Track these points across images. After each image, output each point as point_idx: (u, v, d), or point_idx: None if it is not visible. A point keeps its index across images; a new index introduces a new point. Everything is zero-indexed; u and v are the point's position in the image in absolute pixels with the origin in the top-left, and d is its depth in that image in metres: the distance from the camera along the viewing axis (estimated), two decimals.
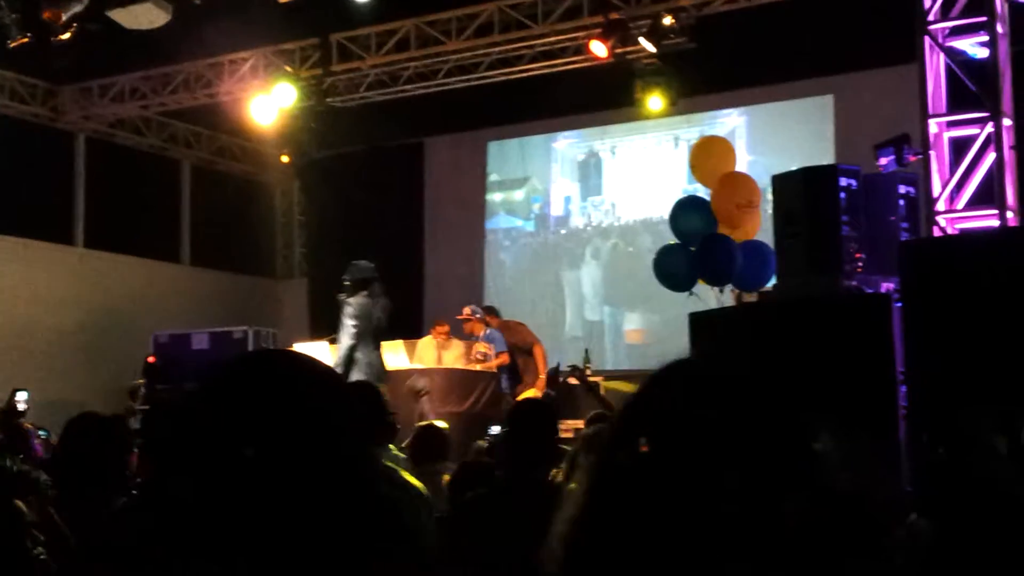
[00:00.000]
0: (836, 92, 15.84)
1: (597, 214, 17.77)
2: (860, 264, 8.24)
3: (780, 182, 8.87)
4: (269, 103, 15.23)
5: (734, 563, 1.34)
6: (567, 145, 18.09)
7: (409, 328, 13.45)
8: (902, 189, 8.79)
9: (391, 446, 5.83)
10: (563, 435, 10.87)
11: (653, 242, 13.15)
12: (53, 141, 17.38)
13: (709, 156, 11.27)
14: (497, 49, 15.30)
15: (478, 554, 4.10)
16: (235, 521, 1.52)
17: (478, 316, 13.14)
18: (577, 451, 4.82)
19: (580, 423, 9.77)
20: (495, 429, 9.87)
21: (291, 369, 1.63)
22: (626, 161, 17.49)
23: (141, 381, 14.70)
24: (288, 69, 15.57)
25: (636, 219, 17.24)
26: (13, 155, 15.94)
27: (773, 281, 9.56)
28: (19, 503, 4.01)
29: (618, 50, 13.87)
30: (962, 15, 9.14)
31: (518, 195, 18.47)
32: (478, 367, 12.55)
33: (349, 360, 10.27)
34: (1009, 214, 8.78)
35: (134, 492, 4.86)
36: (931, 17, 9.17)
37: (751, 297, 9.80)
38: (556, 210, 18.12)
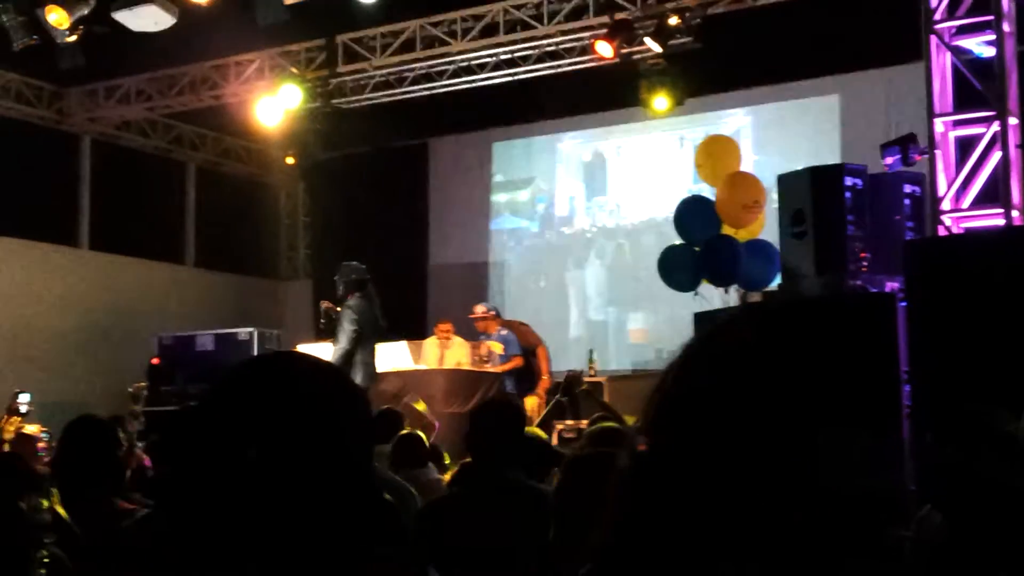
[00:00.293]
0: (842, 92, 15.81)
1: (602, 214, 17.76)
2: (865, 263, 8.24)
3: (786, 182, 8.88)
4: (274, 105, 15.24)
5: (744, 562, 1.33)
6: (572, 145, 18.08)
7: (413, 328, 13.45)
8: (907, 188, 8.79)
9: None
10: (566, 435, 10.93)
11: (658, 242, 13.13)
12: (58, 143, 17.40)
13: (715, 155, 11.27)
14: (502, 50, 15.29)
15: (443, 555, 4.09)
16: (244, 524, 1.52)
17: (493, 314, 13.13)
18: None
19: (583, 423, 9.78)
20: None
21: (299, 372, 1.62)
22: (631, 161, 17.47)
23: (143, 384, 14.69)
24: (293, 71, 15.59)
25: (641, 219, 17.22)
26: (18, 157, 15.95)
27: (778, 281, 9.55)
28: (23, 504, 4.00)
29: (624, 50, 13.86)
30: (968, 14, 9.12)
31: (523, 196, 18.46)
32: (488, 367, 12.53)
33: (348, 362, 10.28)
34: (1015, 213, 8.75)
35: (135, 492, 4.87)
36: (937, 16, 9.14)
37: (756, 297, 9.79)
38: (561, 210, 18.11)
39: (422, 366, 12.16)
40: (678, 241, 10.85)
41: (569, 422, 11.51)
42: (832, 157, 14.19)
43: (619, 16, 13.68)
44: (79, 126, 17.52)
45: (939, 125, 9.09)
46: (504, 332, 12.95)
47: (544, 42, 15.01)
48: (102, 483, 4.44)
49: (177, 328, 16.28)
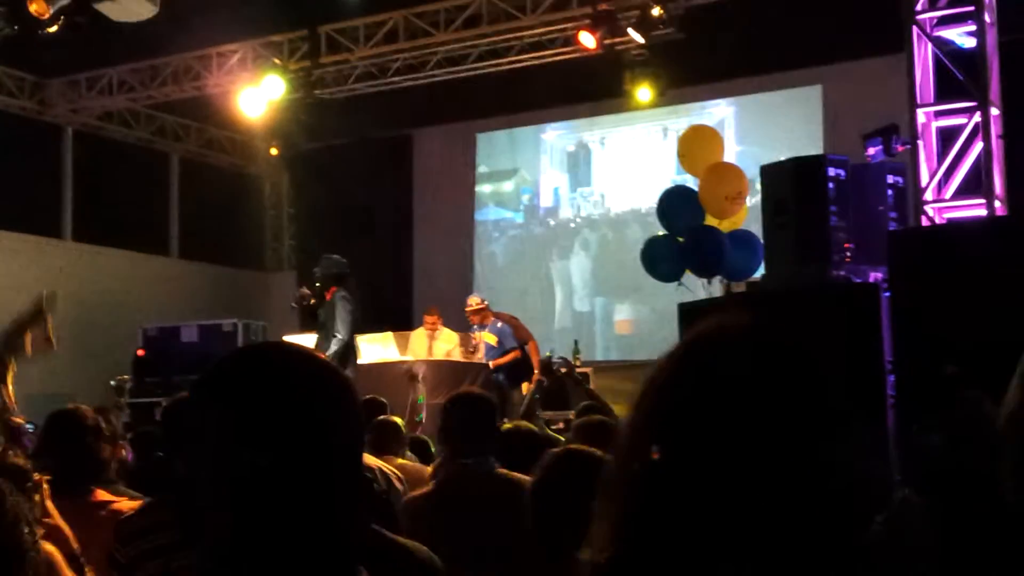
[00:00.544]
0: (824, 82, 15.86)
1: (586, 205, 17.78)
2: (849, 254, 8.26)
3: (769, 172, 8.88)
4: (258, 95, 15.21)
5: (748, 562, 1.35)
6: (556, 136, 18.10)
7: (399, 320, 13.45)
8: (890, 179, 8.81)
9: None
10: (553, 427, 10.95)
11: (642, 233, 13.17)
12: (41, 134, 17.34)
13: (697, 145, 11.27)
14: (486, 40, 15.30)
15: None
16: (235, 517, 1.53)
17: (487, 304, 13.14)
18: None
19: (571, 414, 9.79)
20: None
21: (288, 363, 1.62)
22: (615, 152, 17.50)
23: (126, 377, 14.68)
24: (276, 61, 15.56)
25: (625, 210, 17.26)
26: (0, 149, 15.90)
27: (761, 271, 9.58)
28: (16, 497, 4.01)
29: (607, 41, 13.87)
30: (949, 5, 9.17)
31: (507, 187, 18.48)
32: (476, 358, 12.52)
33: (350, 350, 10.40)
34: (997, 203, 8.81)
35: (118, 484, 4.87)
36: (919, 7, 9.19)
37: (740, 287, 9.81)
38: (545, 201, 18.13)
39: (408, 357, 12.15)
40: (661, 232, 10.86)
41: (559, 413, 11.54)
42: (815, 148, 14.24)
43: (602, 7, 13.69)
44: (61, 117, 17.46)
45: (921, 116, 9.14)
46: (500, 324, 12.94)
47: (527, 33, 15.02)
48: (83, 474, 4.44)
49: (162, 320, 16.27)
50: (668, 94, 14.64)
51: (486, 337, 12.80)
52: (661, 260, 10.64)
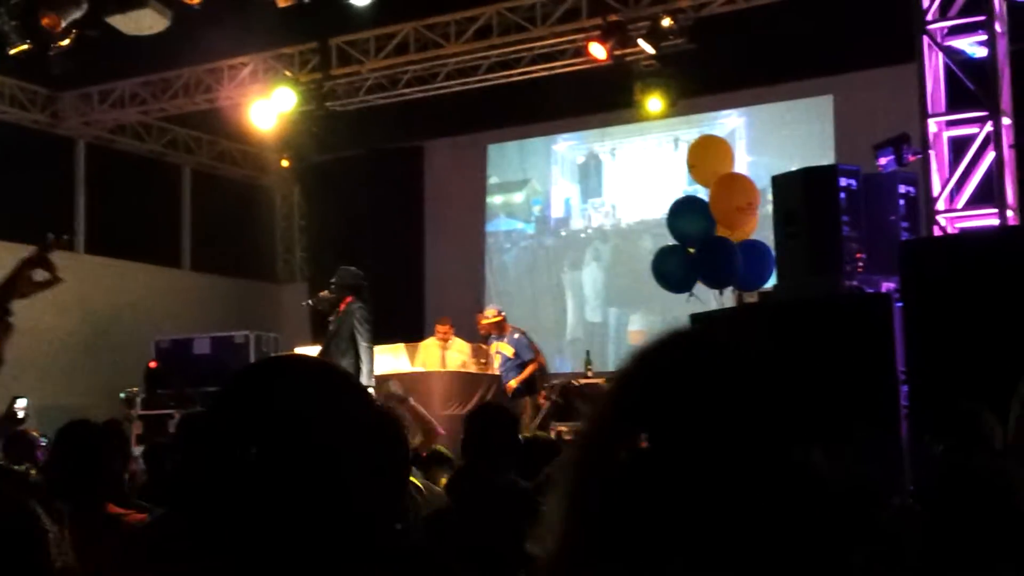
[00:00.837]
0: (835, 92, 15.84)
1: (597, 216, 17.77)
2: (861, 264, 8.25)
3: (780, 182, 8.89)
4: (269, 107, 15.24)
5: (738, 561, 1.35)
6: (567, 147, 18.10)
7: (410, 331, 13.45)
8: (902, 189, 8.81)
9: None
10: (565, 437, 10.94)
11: (654, 243, 13.15)
12: (53, 147, 17.39)
13: (706, 156, 11.27)
14: (496, 52, 15.31)
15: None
16: (250, 528, 1.53)
17: (504, 316, 13.14)
18: None
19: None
20: None
21: (305, 375, 1.63)
22: (626, 163, 17.50)
23: (135, 389, 14.69)
24: (287, 73, 15.59)
25: (636, 221, 17.24)
26: (13, 161, 15.94)
27: (773, 281, 9.57)
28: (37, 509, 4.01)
29: (617, 52, 13.87)
30: (960, 14, 9.15)
31: (518, 197, 18.49)
32: (490, 370, 12.51)
33: (369, 360, 10.50)
34: (1009, 213, 8.79)
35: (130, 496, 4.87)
36: (929, 16, 9.17)
37: (752, 297, 9.80)
38: (556, 212, 18.13)
39: (420, 368, 12.15)
40: (673, 243, 10.86)
41: (570, 425, 11.54)
42: (826, 158, 14.22)
43: (612, 18, 13.69)
44: (74, 130, 17.52)
45: (932, 125, 9.12)
46: (517, 336, 12.95)
47: (538, 44, 15.03)
48: (94, 487, 4.43)
49: (174, 332, 16.29)
50: (679, 105, 14.63)
51: (503, 348, 12.80)
52: (671, 271, 10.63)
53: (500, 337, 12.91)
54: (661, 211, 12.54)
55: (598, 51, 13.79)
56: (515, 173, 18.51)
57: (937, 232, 8.89)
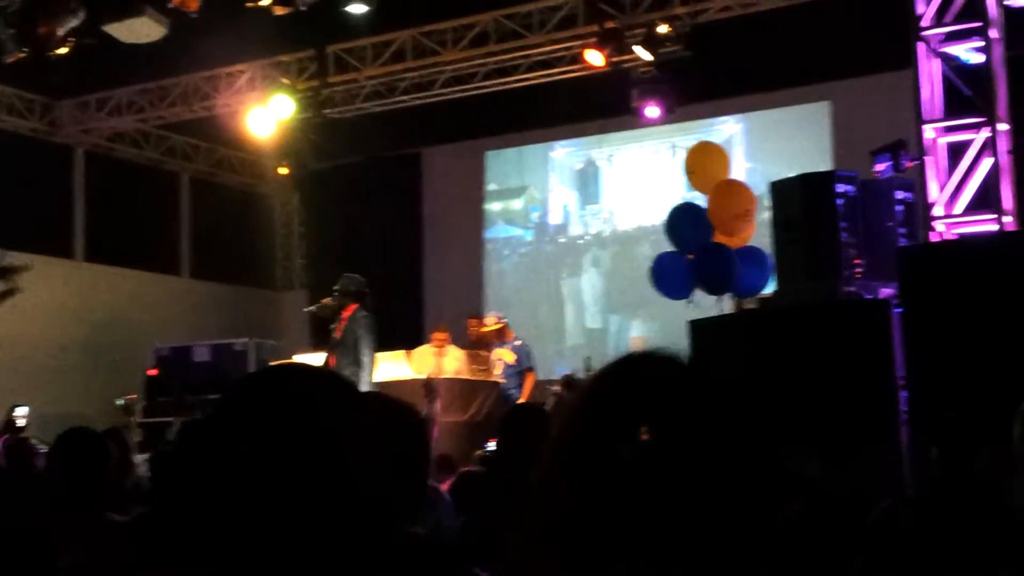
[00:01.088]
0: (833, 98, 15.87)
1: (595, 222, 17.80)
2: (859, 270, 8.27)
3: (778, 189, 8.90)
4: (266, 115, 15.25)
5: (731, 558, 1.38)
6: (565, 154, 18.12)
7: (409, 338, 13.45)
8: (900, 195, 8.82)
9: None
10: None
11: (652, 250, 13.17)
12: (51, 155, 17.40)
13: (704, 162, 11.29)
14: (493, 59, 15.34)
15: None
16: (249, 535, 1.54)
17: (506, 321, 13.13)
18: None
19: None
20: (491, 445, 9.86)
21: (306, 384, 1.64)
22: (624, 169, 17.52)
23: (134, 396, 14.67)
24: (285, 81, 15.60)
25: (635, 227, 17.27)
26: (11, 170, 15.95)
27: (771, 287, 9.58)
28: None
29: (614, 59, 13.89)
30: (956, 20, 9.16)
31: (516, 204, 18.50)
32: (494, 376, 12.49)
33: (371, 371, 10.49)
34: (1006, 218, 8.80)
35: (132, 505, 4.88)
36: (925, 23, 9.19)
37: (750, 304, 9.81)
38: (555, 219, 18.15)
39: (421, 375, 12.14)
40: (671, 249, 10.87)
41: None
42: (824, 164, 14.23)
43: (609, 25, 13.71)
44: (72, 138, 17.53)
45: (929, 131, 9.13)
46: (519, 343, 12.95)
47: (535, 51, 15.06)
48: (92, 496, 4.45)
49: (174, 339, 16.28)
50: (676, 111, 14.65)
51: (504, 355, 12.79)
52: (670, 277, 10.64)
53: (502, 344, 12.91)
54: (659, 217, 12.57)
55: (595, 58, 13.81)
56: (513, 180, 18.53)
57: (935, 238, 8.90)
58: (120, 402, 14.45)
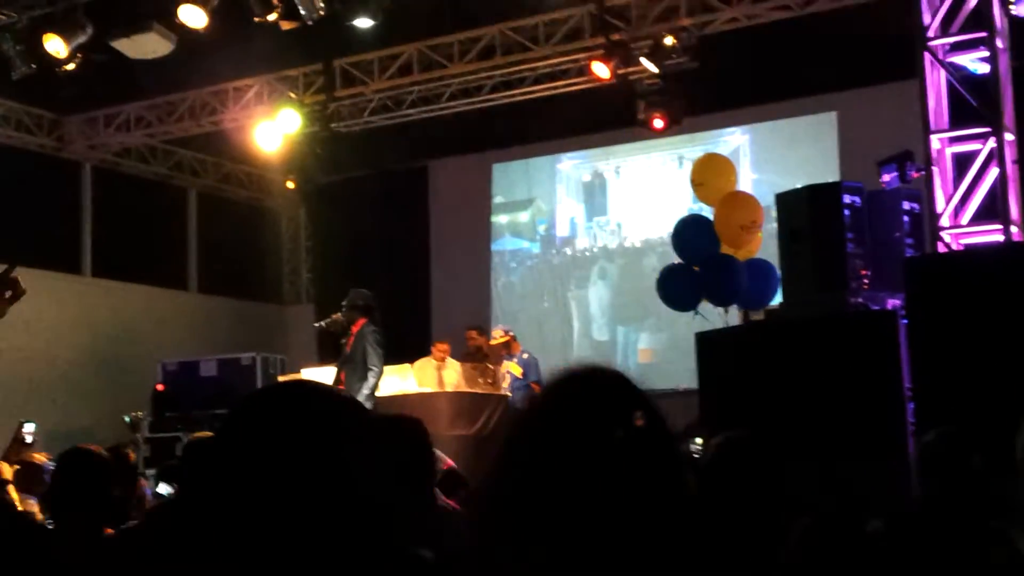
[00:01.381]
0: (839, 109, 15.85)
1: (603, 234, 17.79)
2: (866, 281, 8.26)
3: (784, 200, 8.91)
4: (274, 129, 15.26)
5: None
6: (571, 166, 18.12)
7: (417, 351, 13.46)
8: (906, 205, 8.82)
9: None
10: None
11: (659, 262, 13.18)
12: (59, 171, 17.43)
13: (711, 174, 11.30)
14: (500, 72, 15.36)
15: None
16: (255, 551, 1.54)
17: (513, 335, 13.13)
18: None
19: None
20: None
21: (313, 401, 1.64)
22: (631, 181, 17.52)
23: (140, 413, 14.70)
24: (292, 95, 15.62)
25: (642, 239, 17.26)
26: (19, 185, 15.99)
27: (778, 298, 9.57)
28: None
29: (620, 71, 13.89)
30: (962, 31, 9.16)
31: (523, 217, 18.50)
32: (503, 390, 12.49)
33: (376, 385, 10.47)
34: (1013, 229, 8.79)
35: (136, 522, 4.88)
36: (931, 33, 9.19)
37: (758, 315, 9.81)
38: (562, 231, 18.15)
39: (427, 389, 12.15)
40: (678, 261, 10.86)
41: None
42: (831, 175, 14.22)
43: (615, 37, 13.72)
44: (80, 153, 17.56)
45: (935, 142, 9.13)
46: (526, 356, 12.95)
47: (541, 64, 15.07)
48: (95, 514, 4.45)
49: (181, 354, 16.31)
50: (683, 123, 14.65)
51: (512, 368, 12.79)
52: (677, 289, 10.65)
53: (510, 357, 12.92)
54: (666, 229, 12.58)
55: (601, 70, 13.82)
56: (520, 192, 18.54)
57: (941, 248, 8.89)
58: (127, 419, 14.48)
